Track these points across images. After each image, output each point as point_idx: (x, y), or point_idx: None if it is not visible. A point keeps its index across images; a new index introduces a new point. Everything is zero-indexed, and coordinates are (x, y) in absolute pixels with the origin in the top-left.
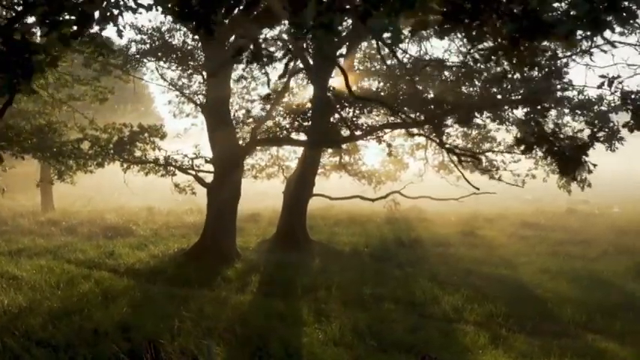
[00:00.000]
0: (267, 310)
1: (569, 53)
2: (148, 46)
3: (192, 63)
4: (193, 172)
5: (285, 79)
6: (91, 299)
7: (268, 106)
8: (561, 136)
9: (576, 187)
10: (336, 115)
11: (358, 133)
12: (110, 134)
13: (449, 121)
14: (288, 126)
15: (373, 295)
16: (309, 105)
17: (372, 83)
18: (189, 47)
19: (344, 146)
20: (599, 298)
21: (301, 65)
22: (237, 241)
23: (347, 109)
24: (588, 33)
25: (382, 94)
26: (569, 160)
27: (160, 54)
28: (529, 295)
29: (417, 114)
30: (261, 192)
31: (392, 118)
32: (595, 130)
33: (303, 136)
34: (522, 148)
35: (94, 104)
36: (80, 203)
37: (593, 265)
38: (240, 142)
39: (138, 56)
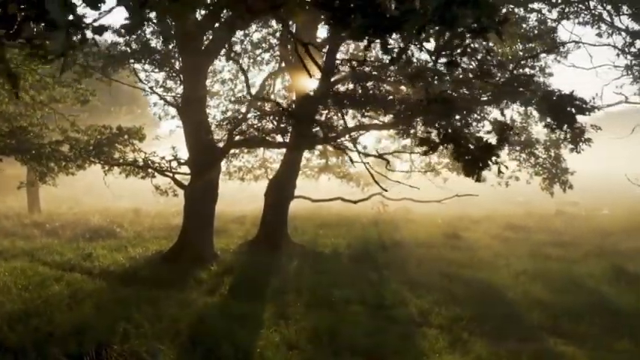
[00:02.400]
0: (229, 312)
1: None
2: (127, 48)
3: (170, 65)
4: (170, 175)
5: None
6: (56, 301)
7: (244, 108)
8: (470, 136)
9: (573, 189)
10: (317, 117)
11: (332, 134)
12: (90, 136)
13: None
14: (266, 127)
15: (342, 297)
16: (285, 106)
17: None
18: (167, 49)
19: (330, 148)
20: (569, 301)
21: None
22: (220, 242)
23: (322, 110)
24: (437, 28)
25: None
26: (475, 161)
27: (139, 56)
28: (499, 297)
29: (389, 115)
30: (254, 194)
31: (366, 119)
32: (506, 131)
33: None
34: (424, 148)
35: (90, 107)
36: (68, 205)
37: (571, 268)
38: (219, 144)
39: (116, 58)
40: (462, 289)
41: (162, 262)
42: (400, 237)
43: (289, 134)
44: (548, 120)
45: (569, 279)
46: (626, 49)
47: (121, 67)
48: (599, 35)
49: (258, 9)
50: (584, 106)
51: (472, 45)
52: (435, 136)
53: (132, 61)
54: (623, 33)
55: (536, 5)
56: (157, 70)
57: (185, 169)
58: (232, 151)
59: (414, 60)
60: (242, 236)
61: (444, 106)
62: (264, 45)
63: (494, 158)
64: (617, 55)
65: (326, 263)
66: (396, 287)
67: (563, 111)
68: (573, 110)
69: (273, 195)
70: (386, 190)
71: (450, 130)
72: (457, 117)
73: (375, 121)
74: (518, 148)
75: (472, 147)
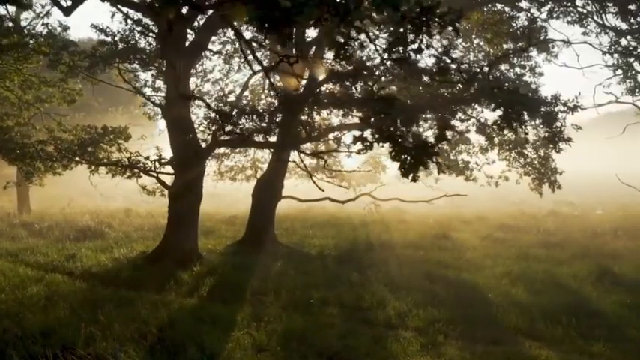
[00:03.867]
0: (203, 313)
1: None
2: (113, 47)
3: (155, 64)
4: (155, 175)
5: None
6: (32, 303)
7: (228, 107)
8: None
9: (569, 188)
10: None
11: (314, 134)
12: (75, 136)
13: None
14: (252, 127)
15: (320, 298)
16: (270, 105)
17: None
18: (152, 48)
19: (322, 148)
20: (549, 303)
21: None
22: (208, 243)
23: (305, 110)
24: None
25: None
26: (414, 161)
27: (125, 56)
28: (480, 299)
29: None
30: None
31: (346, 119)
32: (446, 130)
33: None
34: (359, 146)
35: (87, 108)
36: (60, 205)
37: (556, 269)
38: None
39: (102, 58)
40: (443, 291)
41: (146, 263)
42: (389, 238)
43: (274, 134)
44: (497, 117)
45: (552, 280)
46: (612, 47)
47: (107, 67)
48: (585, 34)
49: (203, 6)
50: (551, 106)
51: (428, 42)
52: (369, 134)
53: (118, 60)
54: (610, 32)
55: (524, 4)
56: (141, 70)
57: (170, 169)
58: (223, 150)
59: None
60: (231, 237)
61: (383, 103)
62: (254, 45)
63: (434, 158)
64: (604, 53)
65: (310, 264)
66: (377, 288)
67: (512, 109)
68: (522, 109)
69: (260, 195)
70: (323, 191)
71: (388, 129)
72: (398, 115)
73: (356, 121)
74: (507, 148)
75: (410, 146)
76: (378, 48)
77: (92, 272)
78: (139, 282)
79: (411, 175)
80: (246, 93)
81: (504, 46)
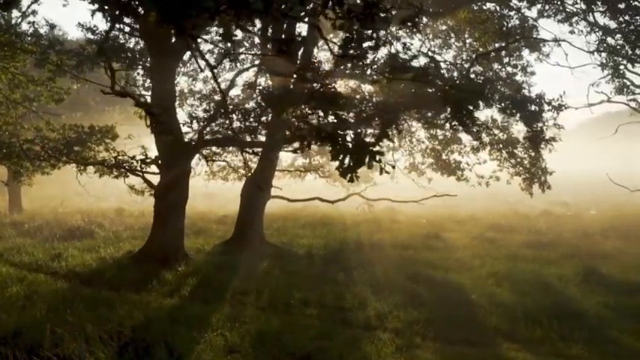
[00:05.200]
0: (181, 314)
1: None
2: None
3: (140, 63)
4: (140, 174)
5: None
6: (10, 303)
7: (212, 106)
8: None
9: (565, 188)
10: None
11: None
12: (62, 135)
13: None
14: (238, 126)
15: (302, 299)
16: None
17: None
18: (138, 48)
19: (315, 147)
20: (532, 304)
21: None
22: (197, 242)
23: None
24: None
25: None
26: (352, 160)
27: (110, 55)
28: (463, 300)
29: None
30: None
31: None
32: (387, 128)
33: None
34: (296, 145)
35: (84, 107)
36: (52, 205)
37: (543, 269)
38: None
39: (88, 57)
40: (426, 291)
41: (131, 263)
42: (380, 238)
43: (260, 133)
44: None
45: (538, 281)
46: (600, 46)
47: (94, 66)
48: (572, 32)
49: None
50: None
51: (386, 39)
52: (307, 132)
53: (105, 59)
54: (598, 31)
55: (514, 3)
56: (126, 69)
57: (156, 168)
58: (214, 150)
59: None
60: (221, 236)
61: (324, 100)
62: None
63: (377, 157)
64: (592, 52)
65: (297, 264)
66: (360, 289)
67: (462, 107)
68: (471, 107)
69: (248, 195)
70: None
71: (328, 127)
72: (339, 113)
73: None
74: (497, 147)
75: (350, 146)
76: (331, 45)
77: (76, 272)
78: (122, 282)
79: (349, 176)
80: (238, 92)
81: (497, 45)
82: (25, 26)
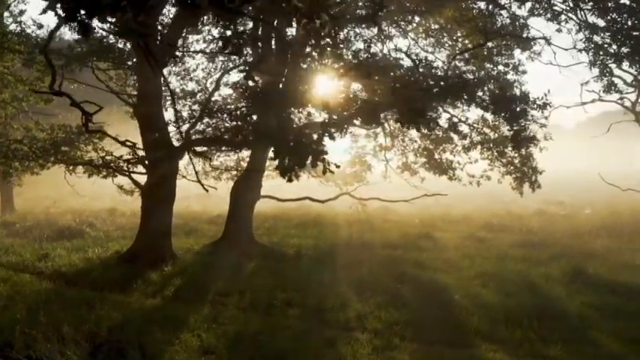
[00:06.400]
0: (158, 314)
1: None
2: (86, 47)
3: (128, 62)
4: (127, 173)
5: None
6: None
7: (197, 107)
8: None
9: (562, 187)
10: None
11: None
12: (50, 135)
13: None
14: (225, 125)
15: (285, 299)
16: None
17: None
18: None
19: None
20: (515, 305)
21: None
22: (187, 242)
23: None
24: None
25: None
26: (291, 160)
27: (98, 54)
28: (446, 300)
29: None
30: None
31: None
32: (328, 128)
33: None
34: (238, 140)
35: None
36: (46, 205)
37: (531, 269)
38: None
39: (77, 57)
40: (410, 292)
41: (118, 263)
42: (371, 237)
43: (247, 133)
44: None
45: (524, 281)
46: (586, 44)
47: (83, 66)
48: (559, 31)
49: None
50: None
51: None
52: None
53: (94, 59)
54: (585, 30)
55: (505, 2)
56: (115, 68)
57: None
58: (207, 149)
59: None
60: (212, 236)
61: (259, 98)
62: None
63: (322, 157)
64: (580, 51)
65: (284, 264)
66: (344, 289)
67: (411, 106)
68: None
69: (238, 194)
70: (207, 191)
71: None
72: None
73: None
74: (487, 146)
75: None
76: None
77: (62, 272)
78: (107, 282)
79: (288, 176)
80: (229, 92)
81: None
82: (12, 25)
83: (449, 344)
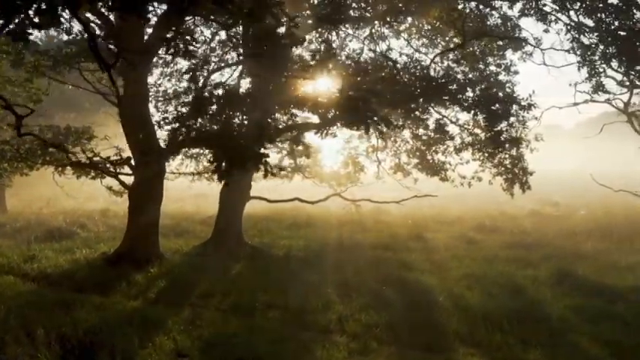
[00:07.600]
0: (137, 316)
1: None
2: (72, 47)
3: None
4: (114, 174)
5: None
6: None
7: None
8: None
9: (558, 188)
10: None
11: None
12: (38, 136)
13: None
14: (211, 126)
15: (267, 302)
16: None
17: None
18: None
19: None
20: (498, 307)
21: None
22: (177, 244)
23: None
24: None
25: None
26: (229, 163)
27: (84, 55)
28: (429, 302)
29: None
30: None
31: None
32: (265, 131)
33: None
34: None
35: (78, 108)
36: (39, 205)
37: (519, 271)
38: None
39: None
40: (394, 294)
41: (104, 265)
42: (362, 238)
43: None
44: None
45: (510, 283)
46: (573, 44)
47: (70, 67)
48: (547, 31)
49: None
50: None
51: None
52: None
53: (79, 60)
54: (573, 30)
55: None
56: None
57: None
58: (199, 150)
59: None
60: (203, 237)
61: (198, 100)
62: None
63: (263, 160)
64: (568, 51)
65: (272, 266)
66: (328, 291)
67: (367, 109)
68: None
69: (227, 195)
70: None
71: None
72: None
73: (309, 121)
74: (478, 147)
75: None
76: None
77: (47, 274)
78: (92, 284)
79: (224, 180)
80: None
81: (482, 44)
82: None
83: (426, 348)
